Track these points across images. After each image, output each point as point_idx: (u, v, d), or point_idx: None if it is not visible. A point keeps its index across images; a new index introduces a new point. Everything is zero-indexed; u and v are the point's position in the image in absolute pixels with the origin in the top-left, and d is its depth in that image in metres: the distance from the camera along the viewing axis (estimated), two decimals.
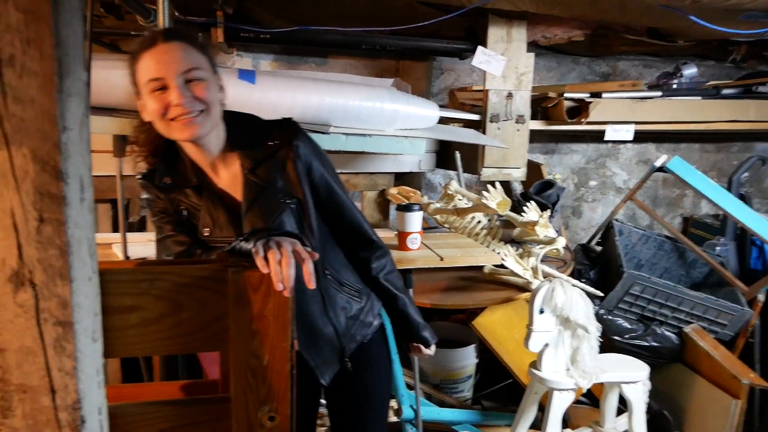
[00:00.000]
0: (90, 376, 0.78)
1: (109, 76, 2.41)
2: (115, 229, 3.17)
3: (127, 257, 2.40)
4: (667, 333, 2.88)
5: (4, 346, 0.73)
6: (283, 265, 1.03)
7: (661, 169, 3.33)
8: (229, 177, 1.51)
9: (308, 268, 1.10)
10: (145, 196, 1.53)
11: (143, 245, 2.64)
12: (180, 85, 1.34)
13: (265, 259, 1.04)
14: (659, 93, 3.69)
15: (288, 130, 1.53)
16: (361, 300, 1.68)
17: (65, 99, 0.73)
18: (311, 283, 1.10)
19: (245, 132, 1.52)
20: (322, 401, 1.83)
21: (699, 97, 3.73)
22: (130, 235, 2.62)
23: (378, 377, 1.76)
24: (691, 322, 2.90)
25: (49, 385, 0.75)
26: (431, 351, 1.81)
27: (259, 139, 1.51)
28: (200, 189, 1.49)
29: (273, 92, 2.58)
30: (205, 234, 1.47)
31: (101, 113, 2.40)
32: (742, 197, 3.50)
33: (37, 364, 0.75)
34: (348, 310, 1.64)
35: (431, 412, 2.60)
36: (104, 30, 3.35)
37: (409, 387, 2.50)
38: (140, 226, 3.38)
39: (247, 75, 2.59)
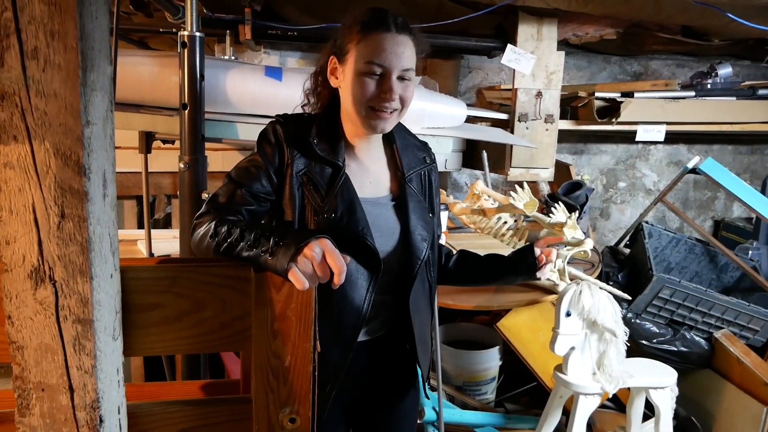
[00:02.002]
0: (109, 374, 0.77)
1: (137, 73, 2.42)
2: (141, 226, 3.20)
3: (151, 254, 2.41)
4: (697, 338, 2.82)
5: (22, 344, 0.72)
6: (325, 268, 1.01)
7: (694, 170, 3.25)
8: (364, 170, 1.46)
9: (338, 264, 1.03)
10: (267, 136, 1.41)
11: (168, 242, 2.66)
12: (395, 80, 1.33)
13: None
14: (692, 93, 3.62)
15: (430, 152, 1.57)
16: None
17: (89, 93, 0.71)
18: (338, 279, 1.03)
19: (404, 136, 1.53)
20: None
21: (734, 98, 3.65)
22: (155, 232, 2.63)
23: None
24: (722, 328, 2.83)
25: (67, 383, 0.74)
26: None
27: (416, 150, 1.53)
28: (340, 171, 1.38)
29: (299, 89, 2.56)
30: (332, 217, 1.33)
31: (128, 109, 2.42)
32: None
33: (56, 362, 0.74)
34: None
35: (453, 414, 2.57)
36: (133, 27, 3.38)
37: (432, 388, 2.48)
38: (165, 223, 3.41)
39: (274, 72, 2.59)
